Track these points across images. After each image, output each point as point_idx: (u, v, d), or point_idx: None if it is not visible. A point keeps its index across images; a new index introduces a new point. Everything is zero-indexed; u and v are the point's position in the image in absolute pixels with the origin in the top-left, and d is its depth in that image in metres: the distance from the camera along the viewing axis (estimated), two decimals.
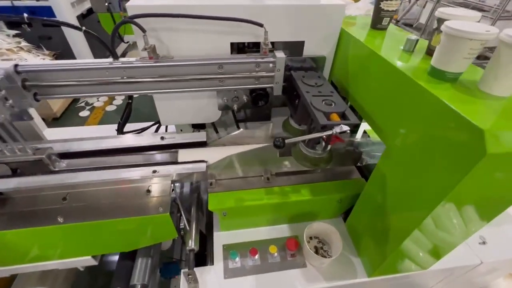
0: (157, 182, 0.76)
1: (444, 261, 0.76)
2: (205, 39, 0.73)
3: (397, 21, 5.05)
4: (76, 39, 2.57)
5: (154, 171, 0.70)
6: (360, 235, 0.77)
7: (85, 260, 0.80)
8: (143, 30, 0.63)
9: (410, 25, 4.84)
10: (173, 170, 0.73)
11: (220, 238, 0.80)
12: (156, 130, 1.18)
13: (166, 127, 1.18)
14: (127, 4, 0.65)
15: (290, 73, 0.77)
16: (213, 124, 1.03)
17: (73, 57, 2.63)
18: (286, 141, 0.58)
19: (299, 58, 0.80)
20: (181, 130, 1.17)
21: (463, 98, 0.44)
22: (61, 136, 0.85)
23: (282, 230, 0.84)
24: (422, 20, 4.28)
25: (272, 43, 0.81)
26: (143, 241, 0.77)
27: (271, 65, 0.72)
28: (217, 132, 1.06)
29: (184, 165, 0.74)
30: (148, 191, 0.74)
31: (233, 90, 0.81)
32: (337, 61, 0.82)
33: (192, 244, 0.71)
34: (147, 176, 0.71)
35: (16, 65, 0.60)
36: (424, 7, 4.32)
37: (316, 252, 0.77)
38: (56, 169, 0.73)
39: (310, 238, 0.80)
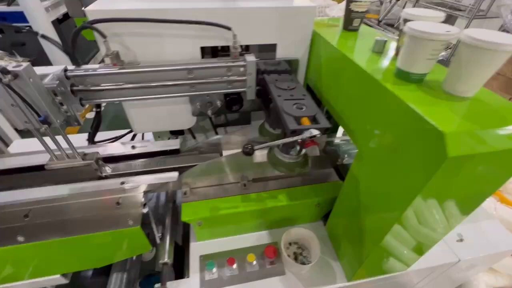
0: (128, 194, 0.72)
1: (423, 260, 0.77)
2: (174, 44, 0.70)
3: (379, 21, 5.16)
4: (52, 46, 2.48)
5: (122, 182, 0.67)
6: (339, 239, 0.76)
7: (54, 279, 0.75)
8: (103, 36, 0.60)
9: (392, 25, 4.96)
10: (143, 180, 0.70)
11: (197, 249, 0.78)
12: (132, 138, 1.14)
13: (143, 134, 1.15)
14: (86, 9, 0.62)
15: (264, 76, 0.76)
16: (190, 130, 1.00)
17: (50, 64, 2.54)
18: (255, 147, 0.56)
19: (272, 61, 0.79)
20: (159, 137, 1.14)
21: (426, 99, 0.44)
22: (35, 147, 0.80)
23: (261, 237, 0.82)
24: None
25: (247, 46, 0.80)
26: (115, 256, 0.74)
27: (241, 69, 0.70)
28: (194, 138, 1.04)
29: (156, 175, 0.71)
30: (118, 203, 0.70)
31: (205, 95, 0.79)
32: (311, 64, 0.81)
33: (165, 257, 0.68)
34: (114, 189, 0.67)
35: (65, 70, 0.60)
36: (404, 7, 4.43)
37: (296, 258, 0.76)
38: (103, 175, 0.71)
39: (290, 244, 0.79)
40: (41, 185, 0.71)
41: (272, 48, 0.78)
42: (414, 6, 3.95)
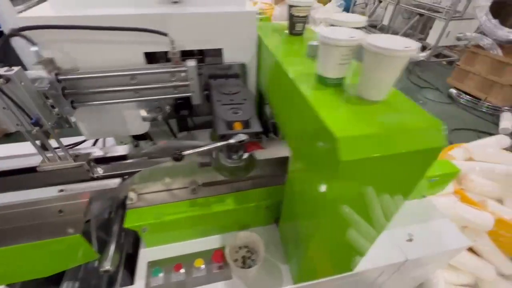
0: (71, 201, 0.72)
1: (371, 261, 0.78)
2: (115, 50, 0.70)
3: None
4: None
5: (61, 190, 0.66)
6: (286, 241, 0.76)
7: None
8: (33, 43, 0.60)
9: (375, 26, 5.03)
10: (83, 187, 0.69)
11: (147, 255, 0.77)
12: (94, 144, 1.14)
13: (104, 140, 1.14)
14: (18, 16, 0.61)
15: (210, 81, 0.76)
16: (148, 134, 1.00)
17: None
18: (184, 153, 0.56)
19: (222, 65, 0.79)
20: (121, 142, 1.13)
21: (334, 104, 0.44)
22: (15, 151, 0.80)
23: (213, 242, 0.81)
24: (385, 21, 4.46)
25: (201, 51, 0.80)
26: (60, 265, 0.73)
27: (183, 74, 0.70)
28: (153, 141, 1.03)
29: (97, 182, 0.70)
30: (60, 211, 0.70)
31: (153, 100, 0.79)
32: (260, 69, 0.82)
33: (107, 264, 0.68)
34: (53, 196, 0.66)
35: (57, 74, 0.62)
36: (386, 9, 4.50)
37: (244, 262, 0.76)
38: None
39: (240, 248, 0.79)
40: None
41: (220, 52, 0.78)
42: (394, 9, 4.02)
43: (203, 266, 0.74)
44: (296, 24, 0.74)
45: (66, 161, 0.70)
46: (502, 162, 1.35)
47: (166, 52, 0.78)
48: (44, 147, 0.68)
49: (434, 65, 3.85)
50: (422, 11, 3.63)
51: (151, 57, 0.75)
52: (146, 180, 0.78)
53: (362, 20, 0.53)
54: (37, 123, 0.58)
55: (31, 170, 0.72)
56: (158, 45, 0.71)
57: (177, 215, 0.73)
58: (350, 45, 0.43)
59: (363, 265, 0.76)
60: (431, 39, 3.52)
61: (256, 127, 0.58)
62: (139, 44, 0.71)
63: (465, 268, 1.14)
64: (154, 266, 0.74)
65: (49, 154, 0.70)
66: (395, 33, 4.33)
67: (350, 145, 0.37)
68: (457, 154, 1.47)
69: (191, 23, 0.71)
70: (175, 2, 0.74)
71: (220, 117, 0.60)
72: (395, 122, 0.41)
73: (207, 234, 0.82)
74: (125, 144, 1.05)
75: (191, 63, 0.69)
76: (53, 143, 0.69)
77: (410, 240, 0.83)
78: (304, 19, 0.74)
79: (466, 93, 3.01)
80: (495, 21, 2.79)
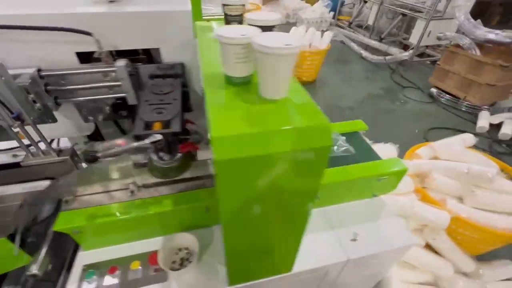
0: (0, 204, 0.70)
1: (313, 260, 0.78)
2: (43, 50, 0.69)
3: (350, 23, 5.25)
4: None
5: None
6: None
7: None
8: None
9: (361, 26, 5.05)
10: (14, 189, 0.68)
11: (84, 258, 0.76)
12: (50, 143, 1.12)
13: (58, 140, 1.12)
14: None
15: (147, 81, 0.75)
16: (100, 135, 0.99)
17: None
18: (99, 154, 0.55)
19: (158, 65, 0.78)
20: (76, 144, 1.12)
21: (231, 103, 0.44)
22: None
23: (155, 244, 0.80)
24: (370, 21, 4.48)
25: (147, 50, 0.79)
26: None
27: (113, 74, 0.69)
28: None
29: (23, 184, 0.69)
30: None
31: (91, 101, 0.77)
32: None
33: (34, 268, 0.66)
34: None
35: (39, 70, 0.65)
36: (371, 9, 4.52)
37: (182, 264, 0.75)
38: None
39: (179, 249, 0.78)
40: None
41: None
42: (379, 9, 4.05)
43: (139, 269, 0.73)
44: (231, 23, 0.73)
45: (49, 155, 0.70)
46: (466, 160, 1.36)
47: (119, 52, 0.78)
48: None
49: (418, 65, 3.88)
50: (405, 11, 3.65)
51: (88, 57, 0.74)
52: (85, 181, 0.77)
53: (275, 18, 0.53)
54: (18, 118, 0.60)
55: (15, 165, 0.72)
56: (88, 45, 0.70)
57: (111, 217, 0.72)
58: (241, 43, 0.42)
59: (303, 265, 0.76)
60: (414, 39, 3.55)
61: (176, 127, 0.58)
62: (69, 44, 0.70)
63: (423, 267, 1.15)
64: (90, 269, 0.73)
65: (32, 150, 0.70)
66: (380, 33, 4.36)
67: (226, 144, 0.37)
68: (424, 153, 1.47)
69: (124, 22, 0.70)
70: (112, 1, 0.73)
71: (140, 117, 0.59)
72: (282, 122, 0.40)
73: (149, 236, 0.81)
74: (78, 144, 1.04)
75: (121, 62, 0.68)
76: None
77: (355, 239, 0.83)
78: (238, 18, 0.73)
79: (446, 93, 3.04)
80: (473, 21, 2.81)
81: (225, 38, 0.42)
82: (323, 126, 0.40)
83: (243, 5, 0.71)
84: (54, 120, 0.73)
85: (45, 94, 0.67)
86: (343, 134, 1.06)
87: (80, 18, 0.67)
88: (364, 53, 3.97)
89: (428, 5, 3.31)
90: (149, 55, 0.82)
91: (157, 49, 0.77)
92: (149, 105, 0.64)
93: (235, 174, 0.39)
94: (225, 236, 0.52)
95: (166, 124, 0.59)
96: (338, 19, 5.44)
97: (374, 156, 0.97)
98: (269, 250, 0.60)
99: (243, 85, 0.49)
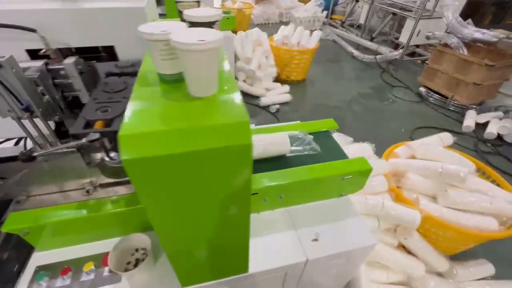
0: None
1: (272, 261, 0.77)
2: None
3: (343, 23, 5.25)
4: None
5: None
6: None
7: None
8: None
9: (352, 25, 5.05)
10: None
11: (37, 259, 0.75)
12: (16, 143, 1.11)
13: (25, 139, 1.11)
14: None
15: (102, 79, 0.74)
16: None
17: None
18: (35, 154, 0.54)
19: (114, 63, 0.77)
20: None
21: (155, 101, 0.43)
22: None
23: (112, 245, 0.79)
24: (362, 20, 4.47)
25: (110, 47, 0.78)
26: None
27: (62, 72, 0.68)
28: None
29: None
30: None
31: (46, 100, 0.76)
32: None
33: None
34: None
35: (46, 63, 0.65)
36: (362, 8, 4.52)
37: (136, 264, 0.74)
38: None
39: (136, 250, 0.77)
40: None
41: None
42: (370, 8, 4.04)
43: (92, 270, 0.72)
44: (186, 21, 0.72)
45: (56, 147, 0.67)
46: (442, 160, 1.35)
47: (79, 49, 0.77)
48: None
49: (409, 64, 3.88)
50: (395, 10, 3.64)
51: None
52: (39, 181, 0.76)
53: (214, 14, 0.52)
54: (27, 109, 0.62)
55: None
56: (37, 42, 0.69)
57: (63, 217, 0.70)
58: (162, 40, 0.41)
59: (262, 265, 0.75)
60: (404, 38, 3.54)
61: (116, 126, 0.56)
62: (19, 41, 0.69)
63: (395, 267, 1.14)
64: (41, 270, 0.72)
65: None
66: (371, 32, 4.36)
67: (135, 143, 0.36)
68: (401, 152, 1.47)
69: (76, 19, 0.69)
70: None
71: (82, 116, 0.58)
72: (199, 120, 0.39)
73: (107, 236, 0.80)
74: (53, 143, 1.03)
75: (69, 60, 0.67)
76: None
77: (316, 240, 0.82)
78: None
79: (435, 92, 3.04)
80: (461, 20, 2.81)
81: (145, 34, 0.41)
82: (241, 124, 0.39)
83: (198, 1, 0.70)
84: (62, 112, 0.74)
85: (53, 87, 0.69)
86: (312, 133, 1.05)
87: (30, 15, 0.66)
88: (356, 53, 3.97)
89: (417, 4, 3.30)
90: (112, 53, 0.81)
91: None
92: (96, 104, 0.63)
93: (150, 175, 0.38)
94: (160, 239, 0.51)
95: (109, 123, 0.58)
96: (331, 18, 5.43)
97: (341, 155, 0.97)
98: (214, 252, 0.59)
99: (176, 83, 0.48)
